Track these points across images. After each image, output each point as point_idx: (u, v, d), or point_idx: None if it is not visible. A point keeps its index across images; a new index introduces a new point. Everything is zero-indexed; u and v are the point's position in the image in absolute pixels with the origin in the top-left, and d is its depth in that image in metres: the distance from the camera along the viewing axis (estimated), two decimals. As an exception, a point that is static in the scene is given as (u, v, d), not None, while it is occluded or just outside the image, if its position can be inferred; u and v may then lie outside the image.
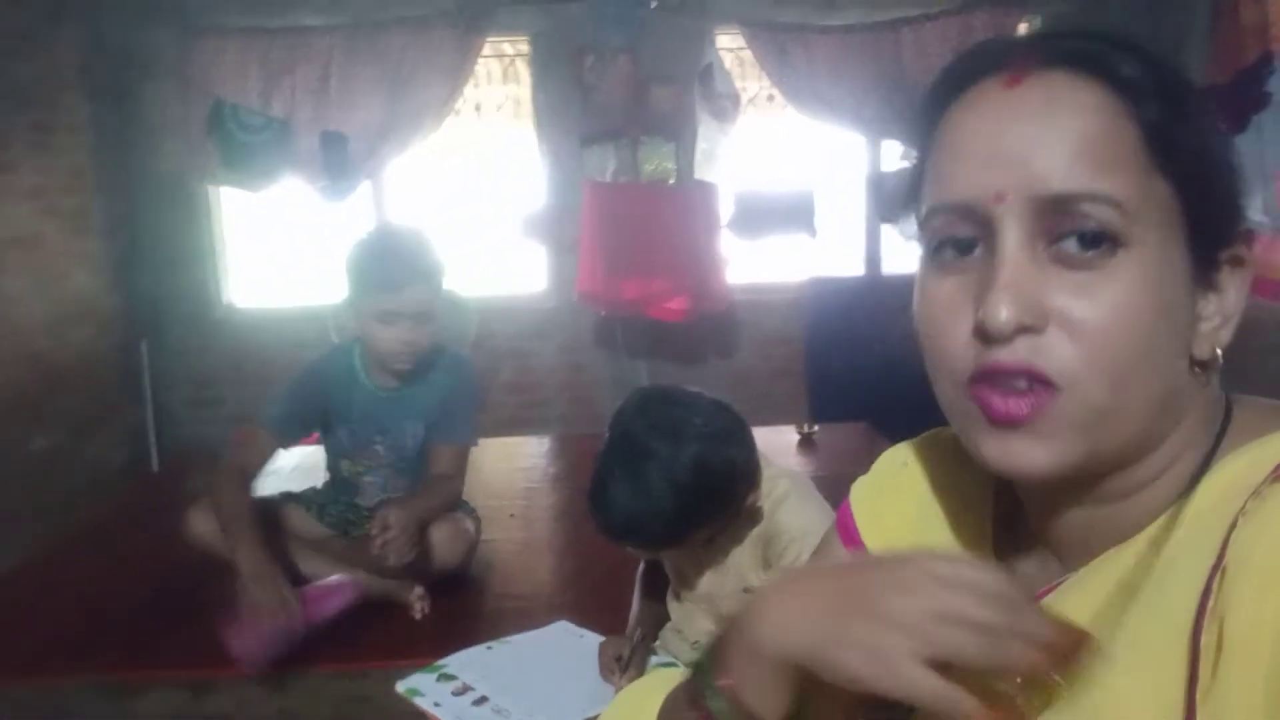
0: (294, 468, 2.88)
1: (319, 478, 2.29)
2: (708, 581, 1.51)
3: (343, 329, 2.14)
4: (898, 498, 0.74)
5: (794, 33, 4.21)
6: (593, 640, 1.77)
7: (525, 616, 1.94)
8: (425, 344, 2.04)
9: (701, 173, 4.32)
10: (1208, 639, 0.48)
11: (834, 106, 4.27)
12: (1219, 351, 0.57)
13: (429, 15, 4.10)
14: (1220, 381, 0.59)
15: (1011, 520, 0.66)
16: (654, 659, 1.64)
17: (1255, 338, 0.61)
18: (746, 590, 1.43)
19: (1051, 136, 0.53)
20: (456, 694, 1.65)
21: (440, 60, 4.12)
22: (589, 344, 4.50)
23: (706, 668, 0.59)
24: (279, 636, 1.68)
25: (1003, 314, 0.52)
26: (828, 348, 4.40)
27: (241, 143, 4.00)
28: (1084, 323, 0.52)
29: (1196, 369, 0.57)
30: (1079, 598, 0.56)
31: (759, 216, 4.26)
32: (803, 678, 0.55)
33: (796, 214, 4.27)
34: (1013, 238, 0.53)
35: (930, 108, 0.59)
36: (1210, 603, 0.49)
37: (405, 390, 2.11)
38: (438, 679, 1.69)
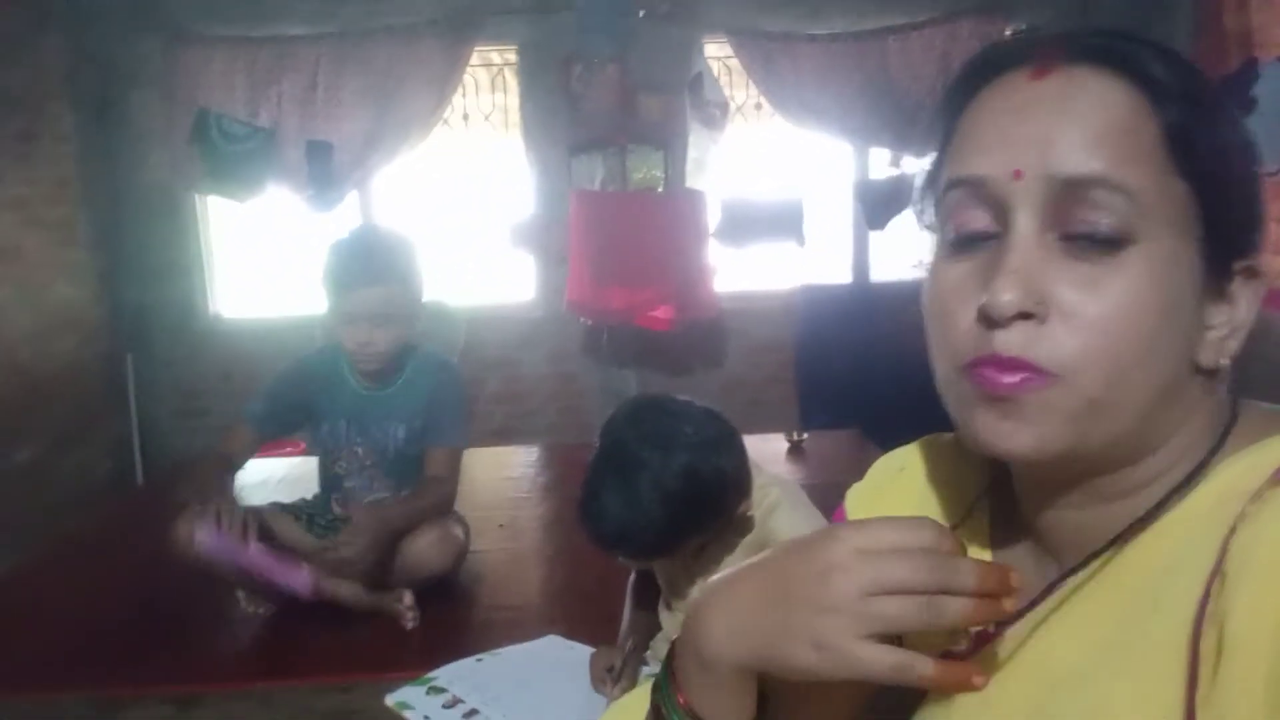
0: (281, 479, 2.87)
1: (307, 489, 2.28)
2: (699, 590, 1.50)
3: (326, 330, 2.16)
4: (894, 503, 0.73)
5: (781, 41, 4.23)
6: (584, 651, 1.76)
7: (515, 627, 1.93)
8: (385, 347, 2.04)
9: (692, 181, 4.32)
10: (1207, 642, 0.48)
11: (821, 115, 4.28)
12: (1224, 361, 0.56)
13: (417, 25, 4.10)
14: (1228, 388, 0.59)
15: (1009, 522, 0.66)
16: (646, 669, 1.63)
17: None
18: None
19: (1073, 123, 0.53)
20: (447, 707, 1.64)
21: (428, 70, 4.12)
22: (578, 353, 4.49)
23: (664, 684, 0.59)
24: (218, 544, 1.85)
25: (1006, 296, 0.52)
26: (818, 355, 4.40)
27: (226, 153, 3.98)
28: (1085, 315, 0.52)
29: (1202, 376, 0.56)
30: (1077, 600, 0.56)
31: (746, 225, 4.26)
32: (769, 680, 0.54)
33: (784, 222, 4.28)
34: (1025, 222, 0.54)
35: (954, 98, 0.60)
36: (1209, 606, 0.48)
37: (385, 391, 2.12)
38: (427, 692, 1.68)
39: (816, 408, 4.33)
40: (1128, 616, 0.53)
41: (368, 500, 2.11)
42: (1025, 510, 0.63)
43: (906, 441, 0.76)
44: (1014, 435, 0.54)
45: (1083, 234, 0.52)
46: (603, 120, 4.16)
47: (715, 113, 4.15)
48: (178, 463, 3.94)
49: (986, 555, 0.66)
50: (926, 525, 0.52)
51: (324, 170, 4.08)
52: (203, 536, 1.86)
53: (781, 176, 4.49)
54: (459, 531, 2.10)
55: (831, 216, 4.56)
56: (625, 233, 4.12)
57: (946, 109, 0.60)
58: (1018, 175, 0.54)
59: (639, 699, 0.70)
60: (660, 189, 4.35)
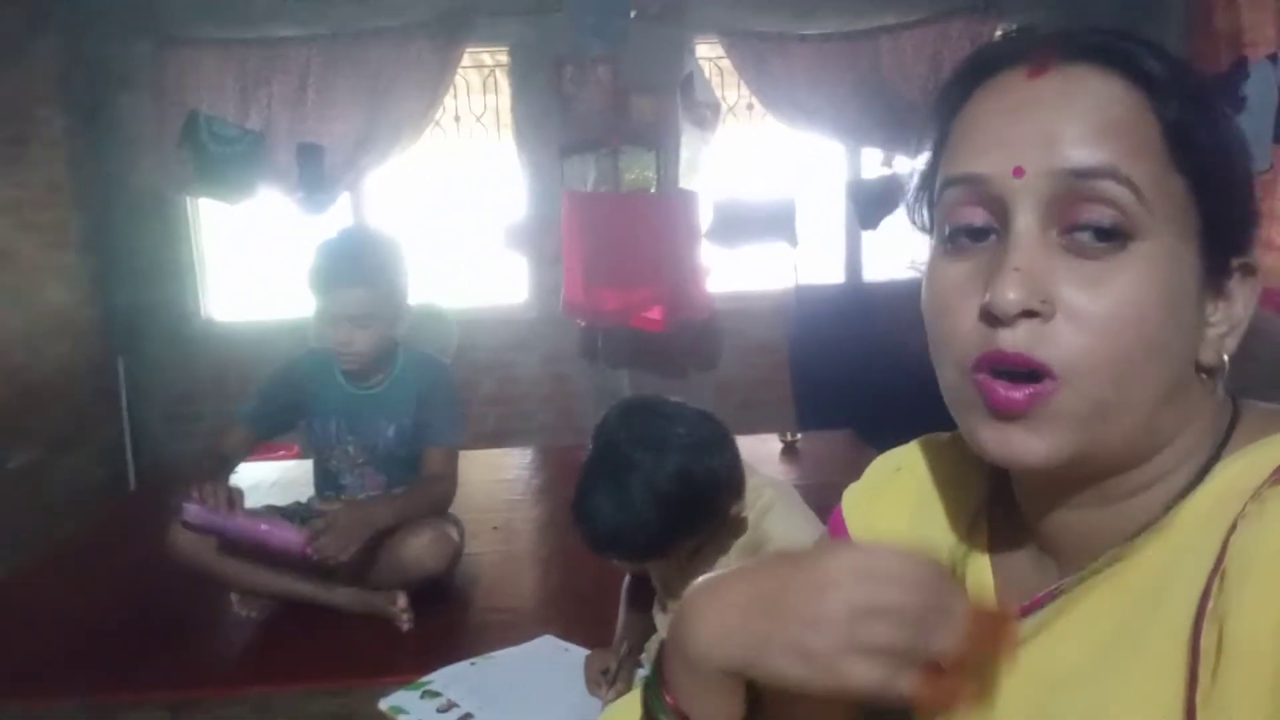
0: (275, 482, 2.86)
1: (301, 492, 2.28)
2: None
3: (316, 330, 2.19)
4: (891, 503, 0.73)
5: (773, 42, 4.23)
6: (578, 654, 1.76)
7: (510, 630, 1.93)
8: (366, 347, 2.05)
9: (684, 182, 4.32)
10: (1207, 642, 0.48)
11: (813, 115, 4.28)
12: (1225, 359, 0.56)
13: (408, 26, 4.09)
14: (1227, 387, 0.58)
15: (1008, 523, 0.65)
16: (641, 671, 1.63)
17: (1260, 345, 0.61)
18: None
19: (1074, 118, 0.53)
20: (441, 711, 1.63)
21: (419, 71, 4.11)
22: (571, 355, 4.49)
23: (654, 684, 0.59)
24: (204, 515, 1.87)
25: (1010, 295, 0.51)
26: (813, 355, 4.41)
27: (217, 155, 3.97)
28: (1090, 314, 0.51)
29: (1203, 375, 0.56)
30: (1077, 601, 0.56)
31: (739, 225, 4.26)
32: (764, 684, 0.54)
33: (777, 222, 4.28)
34: (1026, 220, 0.53)
35: (949, 97, 0.60)
36: (1210, 605, 0.48)
37: (374, 390, 2.14)
38: (421, 696, 1.68)
39: (811, 408, 4.33)
40: (1128, 616, 0.53)
41: (360, 498, 2.12)
42: (1026, 512, 0.63)
43: (900, 441, 0.76)
44: (1024, 446, 0.54)
45: (1089, 226, 0.52)
46: (595, 121, 4.16)
47: (706, 113, 4.15)
48: (170, 467, 3.94)
49: (985, 559, 0.66)
50: (926, 558, 0.52)
51: (315, 172, 4.07)
52: (189, 509, 1.87)
53: (773, 177, 4.49)
54: (453, 533, 2.10)
55: (824, 216, 4.56)
56: (618, 234, 4.11)
57: (941, 109, 0.60)
58: (1018, 173, 0.53)
59: (633, 702, 0.70)
60: (652, 190, 4.35)
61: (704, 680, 0.55)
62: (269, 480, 2.92)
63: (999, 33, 4.12)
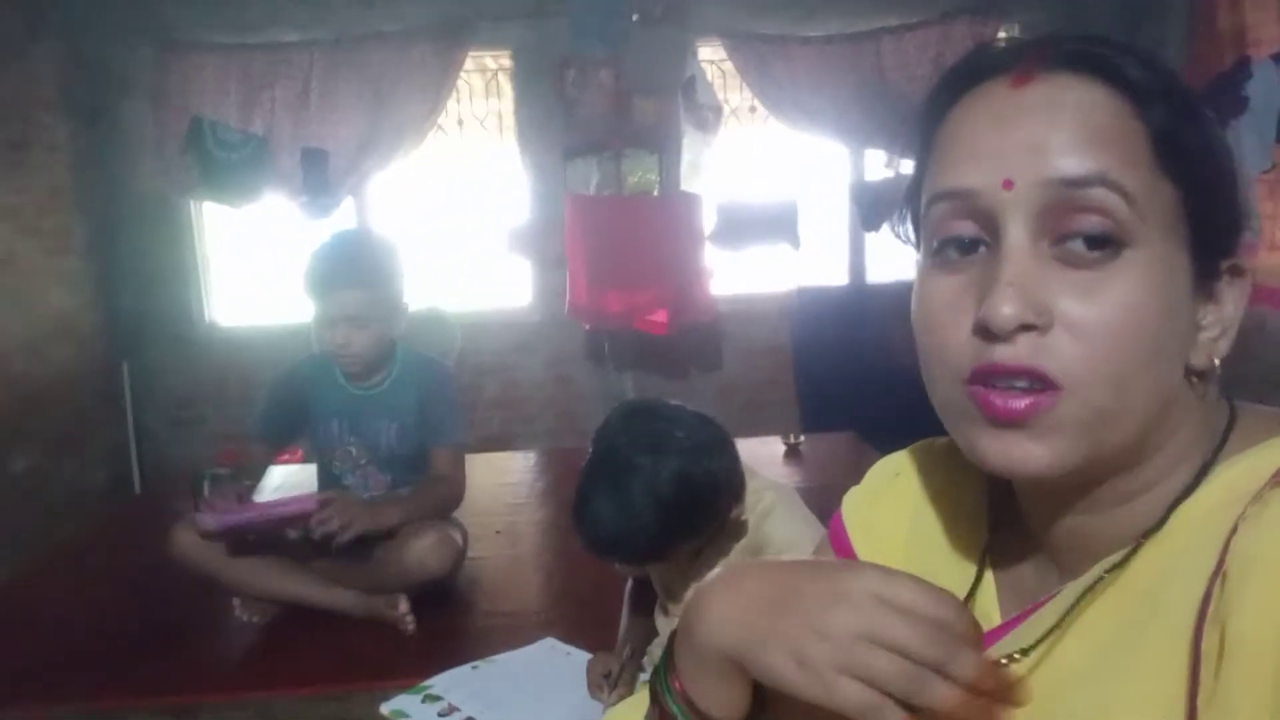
0: (278, 486, 2.86)
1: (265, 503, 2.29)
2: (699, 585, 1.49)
3: (315, 332, 2.22)
4: (890, 508, 0.73)
5: (775, 44, 4.23)
6: (580, 658, 1.75)
7: (512, 634, 1.93)
8: (362, 348, 2.07)
9: (686, 184, 4.32)
10: (1208, 644, 0.48)
11: (815, 117, 4.28)
12: (1216, 362, 0.56)
13: (410, 30, 4.09)
14: (1222, 390, 0.58)
15: (1008, 528, 0.65)
16: (643, 675, 1.62)
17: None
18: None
19: (1062, 127, 0.52)
20: (443, 715, 1.63)
21: (422, 75, 4.12)
22: (575, 357, 4.49)
23: (663, 669, 0.59)
24: (217, 518, 1.90)
25: (1005, 310, 0.51)
26: (816, 357, 4.40)
27: (221, 160, 3.98)
28: (1088, 323, 0.51)
29: (1194, 379, 0.56)
30: (1078, 605, 0.56)
31: (742, 227, 4.27)
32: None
33: (780, 224, 4.28)
34: (1017, 232, 0.53)
35: (932, 109, 0.59)
36: (1211, 607, 0.48)
37: (375, 390, 2.15)
38: (423, 700, 1.68)
39: (814, 410, 4.33)
40: (1130, 618, 0.53)
41: (364, 498, 2.13)
42: (1027, 518, 0.63)
43: (904, 443, 0.76)
44: (1027, 457, 0.53)
45: (1081, 235, 0.52)
46: (597, 124, 4.16)
47: (708, 116, 4.15)
48: (174, 470, 3.94)
49: (987, 565, 0.65)
50: (950, 602, 0.51)
51: (319, 177, 4.08)
52: (202, 519, 1.90)
53: (776, 179, 4.49)
54: (456, 535, 2.10)
55: (826, 218, 4.56)
56: (622, 237, 4.11)
57: (924, 121, 0.60)
58: (1008, 185, 0.53)
59: (635, 705, 0.70)
60: (655, 192, 4.35)
61: (710, 666, 0.56)
62: (273, 484, 2.92)
63: (1001, 33, 4.13)
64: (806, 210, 4.32)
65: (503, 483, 3.09)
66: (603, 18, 4.02)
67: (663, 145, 4.27)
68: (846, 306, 4.52)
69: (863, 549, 0.73)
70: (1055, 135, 0.52)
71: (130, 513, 3.28)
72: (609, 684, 1.60)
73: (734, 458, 1.38)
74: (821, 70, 4.23)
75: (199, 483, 2.00)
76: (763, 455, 3.04)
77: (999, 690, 0.50)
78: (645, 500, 1.28)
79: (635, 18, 4.09)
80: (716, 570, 0.58)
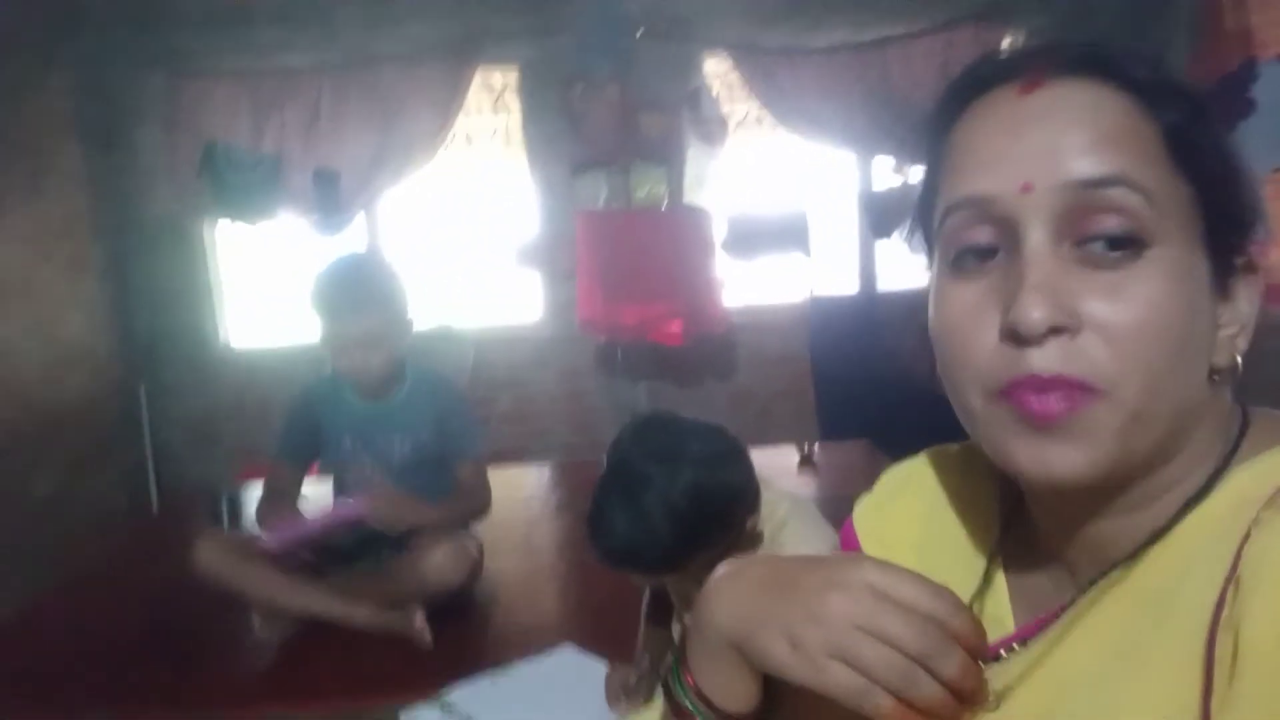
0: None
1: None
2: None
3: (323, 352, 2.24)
4: (901, 514, 0.73)
5: (781, 54, 4.24)
6: (598, 668, 1.76)
7: (530, 645, 1.93)
8: (378, 368, 2.09)
9: (692, 197, 4.33)
10: (1222, 649, 0.47)
11: (823, 126, 4.28)
12: (1238, 359, 0.56)
13: (418, 50, 4.12)
14: (1238, 391, 0.58)
15: (1021, 534, 0.65)
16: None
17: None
18: None
19: (1074, 130, 0.53)
20: (462, 728, 1.64)
21: (430, 93, 4.14)
22: (588, 371, 4.50)
23: (675, 665, 0.60)
24: (281, 533, 1.99)
25: (1035, 314, 0.51)
26: (829, 365, 4.40)
27: (234, 181, 4.01)
28: (1117, 325, 0.51)
29: (1215, 377, 0.56)
30: (1092, 610, 0.56)
31: (752, 238, 4.27)
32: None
33: (790, 234, 4.28)
34: (1038, 236, 0.53)
35: (940, 117, 0.59)
36: (1224, 612, 0.48)
37: (387, 406, 2.18)
38: (442, 711, 1.68)
39: (828, 418, 4.32)
40: (1142, 623, 0.52)
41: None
42: (1041, 524, 0.62)
43: (918, 451, 0.76)
44: (1063, 460, 0.53)
45: (1103, 236, 0.52)
46: (604, 138, 4.17)
47: (714, 128, 4.16)
48: (191, 490, 3.97)
49: (999, 571, 0.65)
50: (946, 597, 0.52)
51: (332, 197, 4.11)
52: (266, 540, 1.98)
53: (784, 189, 4.50)
54: (473, 547, 2.12)
55: (837, 227, 4.56)
56: (633, 250, 4.12)
57: (932, 131, 0.60)
58: (1027, 189, 0.53)
59: (653, 709, 0.70)
60: (664, 205, 4.37)
61: (717, 655, 0.56)
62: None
63: (1007, 40, 4.13)
64: (816, 219, 4.31)
65: (518, 496, 3.10)
66: (609, 33, 4.04)
67: (670, 158, 4.29)
68: (858, 315, 4.51)
69: (873, 554, 0.72)
70: (1069, 138, 0.52)
71: (149, 531, 3.31)
72: (627, 696, 1.60)
73: (748, 469, 1.38)
74: (828, 79, 4.24)
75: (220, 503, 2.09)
76: (777, 465, 3.05)
77: (974, 690, 0.51)
78: (660, 512, 1.28)
79: (640, 33, 4.11)
80: (727, 561, 0.59)
